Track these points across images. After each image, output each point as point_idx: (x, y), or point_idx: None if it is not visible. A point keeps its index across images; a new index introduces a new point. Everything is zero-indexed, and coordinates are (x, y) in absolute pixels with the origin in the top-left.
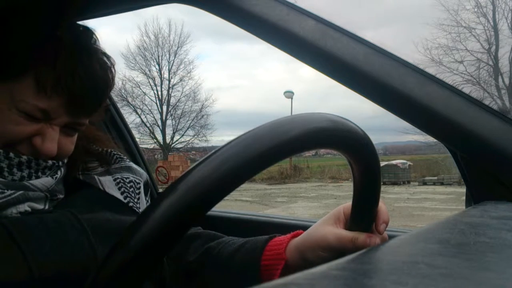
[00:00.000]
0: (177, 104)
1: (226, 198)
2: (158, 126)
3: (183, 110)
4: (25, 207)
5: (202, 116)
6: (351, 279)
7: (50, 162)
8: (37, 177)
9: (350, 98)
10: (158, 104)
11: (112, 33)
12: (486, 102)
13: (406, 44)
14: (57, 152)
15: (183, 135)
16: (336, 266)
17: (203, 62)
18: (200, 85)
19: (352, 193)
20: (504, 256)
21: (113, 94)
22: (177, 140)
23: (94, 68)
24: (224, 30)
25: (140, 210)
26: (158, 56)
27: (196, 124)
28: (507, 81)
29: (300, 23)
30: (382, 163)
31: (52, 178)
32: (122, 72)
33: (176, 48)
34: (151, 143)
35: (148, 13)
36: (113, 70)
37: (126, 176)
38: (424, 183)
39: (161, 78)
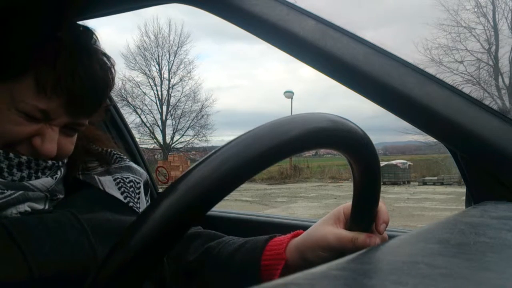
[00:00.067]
0: (177, 104)
1: (226, 198)
2: (158, 126)
3: (183, 110)
4: (25, 207)
5: (202, 116)
6: (351, 279)
7: (50, 162)
8: (37, 178)
9: (350, 98)
10: (158, 104)
11: (112, 33)
12: (486, 102)
13: (406, 44)
14: (57, 152)
15: (183, 135)
16: (336, 266)
17: (203, 62)
18: (200, 85)
19: (352, 193)
20: (504, 256)
21: (113, 94)
22: (177, 140)
23: (94, 68)
24: (224, 30)
25: (140, 210)
26: (158, 56)
27: (196, 124)
28: (507, 81)
29: (300, 23)
30: (382, 163)
31: (52, 178)
32: (122, 72)
33: (176, 48)
34: (151, 143)
35: (148, 13)
36: (113, 71)
37: (126, 176)
38: (424, 183)
39: (161, 78)
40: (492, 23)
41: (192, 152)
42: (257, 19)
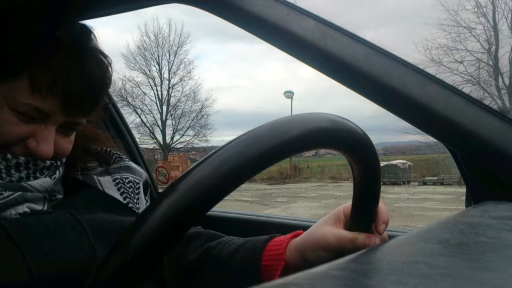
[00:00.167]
0: (177, 104)
1: (226, 198)
2: (158, 126)
3: (183, 110)
4: (24, 208)
5: (202, 116)
6: (351, 279)
7: (48, 162)
8: (35, 178)
9: (350, 98)
10: (158, 104)
11: (112, 33)
12: (486, 102)
13: (406, 44)
14: (54, 152)
15: (183, 135)
16: (336, 266)
17: (203, 62)
18: (200, 85)
19: (352, 193)
20: (504, 256)
21: (113, 94)
22: (177, 140)
23: (91, 67)
24: (224, 30)
25: (140, 211)
26: (158, 56)
27: (196, 124)
28: (507, 81)
29: (300, 23)
30: (382, 163)
31: (51, 178)
32: (122, 72)
33: (176, 48)
34: (151, 143)
35: (148, 13)
36: (110, 69)
37: (125, 176)
38: (424, 183)
39: (161, 78)
40: (492, 23)
41: (192, 152)
42: (257, 19)
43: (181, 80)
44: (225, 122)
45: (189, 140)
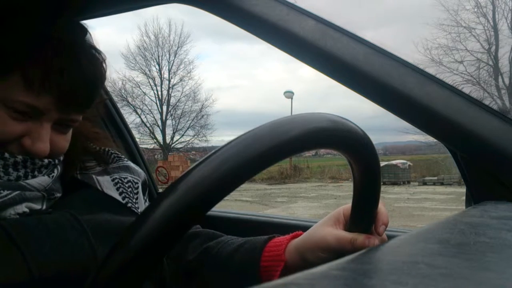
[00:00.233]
0: (177, 104)
1: (226, 198)
2: (158, 126)
3: (183, 110)
4: (23, 208)
5: (202, 116)
6: (351, 279)
7: (46, 161)
8: (34, 176)
9: (350, 98)
10: (158, 104)
11: (112, 33)
12: (486, 102)
13: (406, 44)
14: (50, 150)
15: (183, 135)
16: (336, 266)
17: (203, 62)
18: (200, 85)
19: (352, 193)
20: (504, 256)
21: (113, 94)
22: (177, 140)
23: (84, 63)
24: (224, 30)
25: (139, 210)
26: (158, 56)
27: (196, 124)
28: (507, 81)
29: (300, 23)
30: (382, 163)
31: (49, 177)
32: (122, 72)
33: (176, 48)
34: (151, 143)
35: (148, 13)
36: (104, 65)
37: (124, 176)
38: (424, 183)
39: (161, 78)
40: (492, 23)
41: (192, 152)
42: (257, 19)
43: (181, 80)
44: (225, 122)
45: (189, 140)
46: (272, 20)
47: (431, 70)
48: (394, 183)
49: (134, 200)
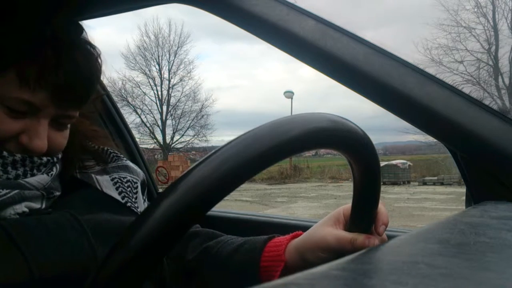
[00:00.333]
0: (177, 104)
1: (226, 198)
2: (158, 126)
3: (183, 110)
4: (22, 207)
5: (202, 116)
6: (351, 279)
7: (44, 159)
8: (33, 175)
9: (350, 98)
10: (158, 104)
11: (112, 33)
12: (486, 102)
13: (406, 44)
14: (48, 147)
15: (183, 135)
16: (336, 266)
17: (203, 62)
18: (200, 85)
19: (352, 193)
20: (504, 256)
21: (113, 94)
22: (177, 140)
23: (79, 59)
24: (224, 30)
25: (138, 210)
26: (158, 56)
27: (196, 124)
28: (507, 81)
29: (300, 23)
30: (382, 163)
31: (48, 175)
32: (122, 72)
33: (176, 48)
34: (151, 143)
35: (148, 13)
36: (99, 60)
37: (123, 176)
38: (424, 183)
39: (161, 78)
40: (492, 23)
41: (192, 152)
42: (257, 19)
43: (181, 80)
44: (225, 122)
45: (189, 140)
46: (272, 20)
47: (431, 70)
48: (394, 183)
49: (133, 200)
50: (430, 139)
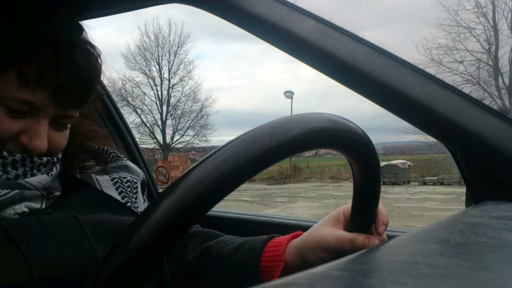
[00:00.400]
0: (177, 104)
1: (226, 198)
2: (158, 126)
3: (183, 110)
4: (22, 207)
5: (202, 116)
6: (351, 279)
7: (44, 159)
8: (33, 175)
9: (350, 98)
10: (158, 104)
11: (112, 33)
12: (486, 102)
13: (406, 44)
14: (48, 147)
15: (183, 135)
16: (336, 266)
17: (203, 62)
18: (200, 85)
19: (352, 193)
20: (504, 256)
21: (113, 94)
22: (177, 140)
23: (79, 59)
24: (224, 30)
25: (138, 210)
26: (158, 56)
27: (196, 124)
28: (507, 81)
29: (300, 23)
30: (382, 163)
31: (48, 175)
32: (122, 72)
33: (176, 48)
34: (151, 143)
35: (148, 13)
36: (99, 60)
37: (123, 176)
38: (424, 183)
39: (161, 78)
40: (492, 23)
41: (192, 152)
42: (257, 19)
43: (181, 80)
44: (225, 122)
45: (189, 140)
46: (272, 20)
47: (431, 70)
48: (394, 183)
49: (133, 200)
50: (430, 139)
